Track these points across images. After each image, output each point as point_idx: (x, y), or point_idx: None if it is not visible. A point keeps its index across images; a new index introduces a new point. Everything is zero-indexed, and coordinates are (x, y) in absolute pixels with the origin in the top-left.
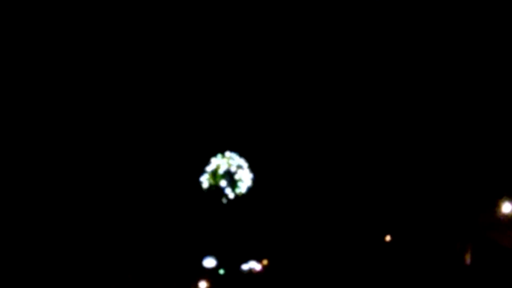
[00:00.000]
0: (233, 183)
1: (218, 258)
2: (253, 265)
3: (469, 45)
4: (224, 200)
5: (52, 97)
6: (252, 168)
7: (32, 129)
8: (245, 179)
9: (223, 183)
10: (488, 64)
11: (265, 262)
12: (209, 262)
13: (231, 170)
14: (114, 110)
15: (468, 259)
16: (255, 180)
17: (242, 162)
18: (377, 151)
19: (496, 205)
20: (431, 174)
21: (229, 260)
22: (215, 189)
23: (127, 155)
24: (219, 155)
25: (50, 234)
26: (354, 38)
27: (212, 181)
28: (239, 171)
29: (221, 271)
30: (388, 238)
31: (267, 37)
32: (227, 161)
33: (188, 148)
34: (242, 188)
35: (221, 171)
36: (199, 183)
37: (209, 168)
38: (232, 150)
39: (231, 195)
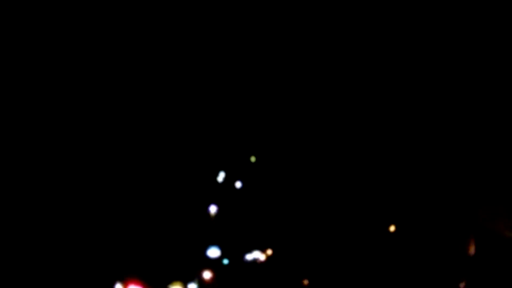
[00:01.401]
0: None
1: (221, 248)
2: (257, 255)
3: (469, 45)
4: None
5: (53, 97)
6: (256, 158)
7: (34, 129)
8: None
9: None
10: (489, 64)
11: (269, 252)
12: (213, 252)
13: None
14: (115, 111)
15: (471, 250)
16: (259, 170)
17: None
18: (380, 143)
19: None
20: (433, 165)
21: (233, 250)
22: None
23: (129, 149)
24: None
25: (51, 233)
26: (354, 38)
27: None
28: None
29: (225, 261)
30: (392, 228)
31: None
32: None
33: (188, 142)
34: None
35: None
36: (201, 175)
37: None
38: (235, 138)
39: None
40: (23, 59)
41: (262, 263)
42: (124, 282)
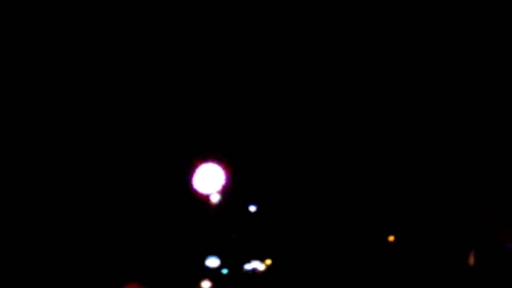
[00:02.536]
0: None
1: (221, 258)
2: (256, 265)
3: (469, 45)
4: None
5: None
6: (255, 168)
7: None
8: None
9: None
10: (489, 64)
11: (268, 262)
12: (212, 262)
13: None
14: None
15: (471, 260)
16: (257, 181)
17: None
18: (379, 150)
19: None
20: (433, 173)
21: (232, 260)
22: None
23: (127, 153)
24: None
25: (50, 235)
26: (354, 38)
27: None
28: None
29: (224, 271)
30: (391, 238)
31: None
32: None
33: (189, 147)
34: None
35: None
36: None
37: None
38: (234, 148)
39: None
40: (23, 59)
41: (261, 273)
42: None
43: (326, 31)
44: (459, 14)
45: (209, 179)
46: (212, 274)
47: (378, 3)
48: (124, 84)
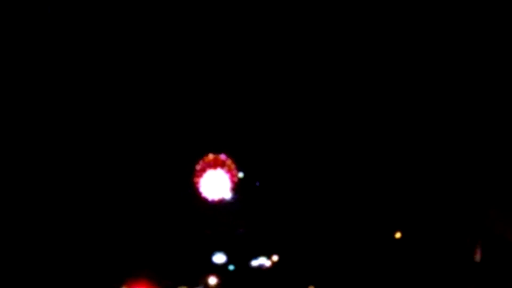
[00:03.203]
0: None
1: (227, 254)
2: (263, 261)
3: (469, 45)
4: None
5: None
6: (261, 162)
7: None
8: None
9: None
10: (489, 65)
11: (275, 258)
12: (219, 258)
13: None
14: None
15: (478, 256)
16: (263, 175)
17: None
18: (385, 147)
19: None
20: (439, 170)
21: (239, 256)
22: None
23: (132, 150)
24: None
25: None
26: (354, 38)
27: None
28: None
29: (231, 267)
30: (398, 235)
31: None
32: None
33: (193, 145)
34: None
35: None
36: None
37: None
38: (240, 144)
39: None
40: (23, 59)
41: (267, 269)
42: (131, 286)
43: (327, 32)
44: (459, 14)
45: (216, 184)
46: (219, 270)
47: (378, 3)
48: (139, 92)
